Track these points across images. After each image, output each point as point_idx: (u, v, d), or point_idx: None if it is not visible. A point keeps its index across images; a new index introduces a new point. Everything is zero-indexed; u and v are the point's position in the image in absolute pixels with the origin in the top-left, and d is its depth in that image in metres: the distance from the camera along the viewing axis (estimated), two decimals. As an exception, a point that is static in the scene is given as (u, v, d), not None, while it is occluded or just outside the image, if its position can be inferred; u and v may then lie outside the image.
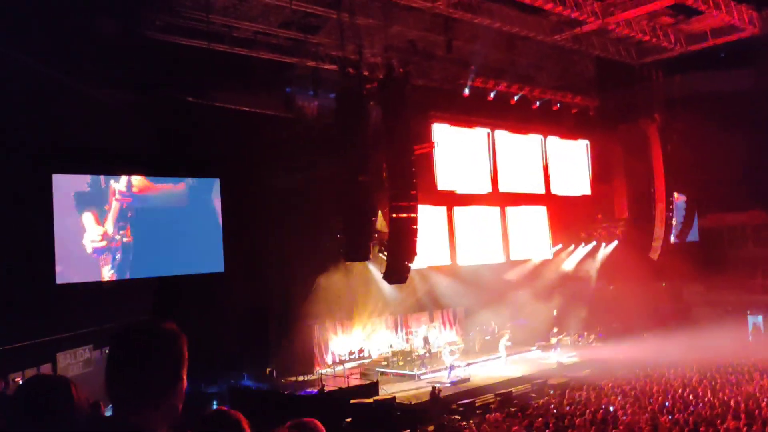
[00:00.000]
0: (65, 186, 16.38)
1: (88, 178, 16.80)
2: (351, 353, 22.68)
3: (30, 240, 15.43)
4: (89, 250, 16.57)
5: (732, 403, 14.87)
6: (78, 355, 15.96)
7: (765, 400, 14.93)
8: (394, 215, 18.97)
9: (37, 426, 2.46)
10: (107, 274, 16.82)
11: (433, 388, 18.83)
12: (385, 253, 19.62)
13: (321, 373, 21.07)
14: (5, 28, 14.06)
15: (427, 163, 22.81)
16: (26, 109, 14.76)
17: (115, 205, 17.09)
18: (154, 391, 2.09)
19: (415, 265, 20.11)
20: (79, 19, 14.97)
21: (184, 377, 2.16)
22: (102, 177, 17.14)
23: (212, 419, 2.71)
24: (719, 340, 24.85)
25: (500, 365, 22.84)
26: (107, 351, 2.16)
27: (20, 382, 2.77)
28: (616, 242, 28.49)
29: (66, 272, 16.11)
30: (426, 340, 23.70)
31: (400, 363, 22.45)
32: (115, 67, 15.97)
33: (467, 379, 20.73)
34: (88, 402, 2.67)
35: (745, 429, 12.14)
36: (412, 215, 18.98)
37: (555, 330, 25.34)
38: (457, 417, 17.29)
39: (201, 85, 17.72)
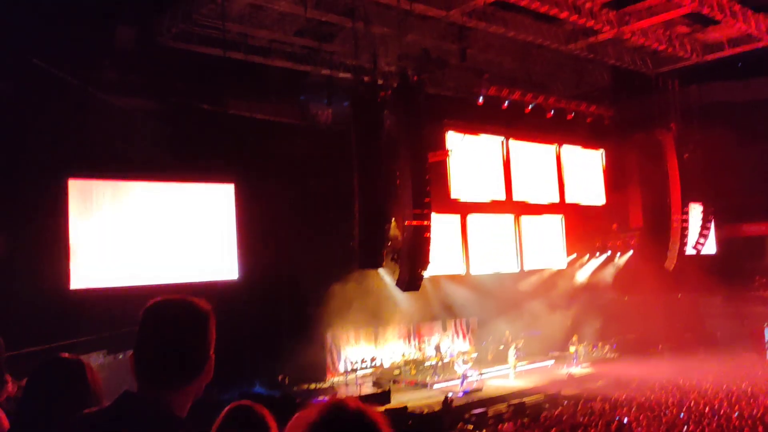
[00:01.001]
0: (81, 190, 16.46)
1: (103, 182, 16.88)
2: (363, 361, 22.61)
3: (45, 244, 15.54)
4: (104, 255, 16.65)
5: (748, 415, 14.70)
6: (91, 360, 16.02)
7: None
8: (407, 223, 18.95)
9: (52, 408, 2.45)
10: (121, 279, 16.87)
11: (446, 397, 18.75)
12: (399, 261, 19.60)
13: (333, 381, 21.04)
14: (26, 36, 14.25)
15: (441, 171, 22.80)
16: (43, 113, 14.92)
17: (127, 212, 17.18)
18: (187, 368, 2.07)
19: (428, 274, 20.07)
20: (97, 27, 15.11)
21: (213, 356, 2.14)
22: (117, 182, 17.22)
23: (237, 412, 2.70)
24: (736, 352, 24.61)
25: (510, 375, 22.70)
26: (140, 325, 2.11)
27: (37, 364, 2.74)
28: (631, 252, 28.28)
29: (80, 277, 16.18)
30: (438, 349, 23.61)
31: (413, 372, 22.37)
32: (132, 74, 16.11)
33: (480, 389, 20.62)
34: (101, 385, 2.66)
35: (762, 442, 11.99)
36: (426, 223, 18.95)
37: (575, 339, 25.16)
38: (469, 427, 17.19)
39: (216, 92, 17.81)
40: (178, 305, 2.13)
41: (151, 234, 17.42)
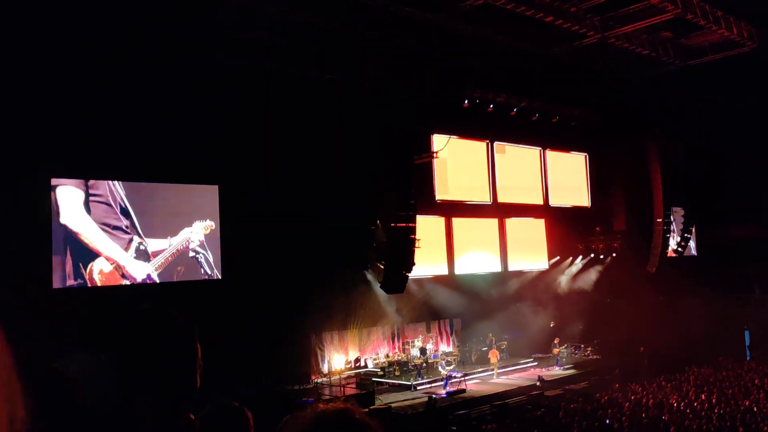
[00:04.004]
0: (63, 189, 16.36)
1: (88, 182, 16.78)
2: (347, 363, 22.63)
3: (28, 243, 15.41)
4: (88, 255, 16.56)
5: (728, 417, 14.87)
6: (74, 360, 15.90)
7: (761, 414, 14.93)
8: (392, 225, 18.99)
9: None
10: (104, 278, 16.78)
11: (430, 398, 18.80)
12: (383, 263, 19.62)
13: (317, 383, 21.01)
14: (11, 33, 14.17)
15: (426, 173, 22.86)
16: (27, 113, 14.81)
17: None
18: (172, 385, 2.04)
19: (412, 275, 20.11)
20: (83, 24, 15.02)
21: (199, 369, 2.14)
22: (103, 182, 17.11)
23: (218, 412, 2.72)
24: (716, 354, 24.86)
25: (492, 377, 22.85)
26: (121, 345, 2.09)
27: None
28: (613, 255, 28.51)
29: (63, 276, 16.08)
30: (422, 351, 23.66)
31: (397, 373, 22.40)
32: (117, 73, 16.01)
33: (463, 390, 20.68)
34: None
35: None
36: (411, 225, 19.00)
37: (556, 341, 25.31)
38: (453, 428, 17.25)
39: (202, 93, 17.71)
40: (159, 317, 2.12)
41: (135, 234, 17.35)
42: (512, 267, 26.34)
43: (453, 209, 24.48)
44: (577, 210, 28.77)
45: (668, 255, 27.76)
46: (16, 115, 14.72)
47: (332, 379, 21.31)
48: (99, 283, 16.59)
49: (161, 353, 2.03)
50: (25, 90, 14.72)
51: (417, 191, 19.83)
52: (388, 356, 23.65)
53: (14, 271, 14.83)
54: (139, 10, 15.43)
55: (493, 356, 23.35)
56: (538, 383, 21.76)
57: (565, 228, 27.73)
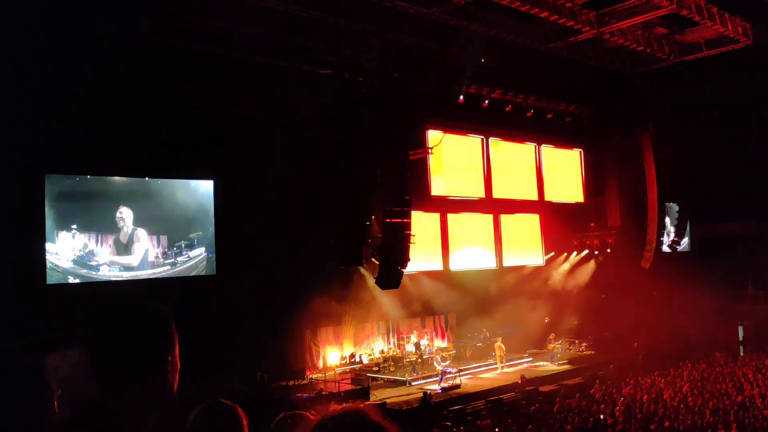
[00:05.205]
0: (58, 185, 16.30)
1: (82, 177, 16.72)
2: (342, 358, 22.62)
3: (21, 239, 15.35)
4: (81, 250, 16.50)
5: (722, 412, 14.91)
6: (67, 357, 15.83)
7: (755, 409, 14.98)
8: (387, 220, 18.96)
9: None
10: (98, 274, 16.74)
11: (425, 394, 18.80)
12: (378, 258, 19.60)
13: (311, 378, 21.00)
14: (3, 28, 14.07)
15: (421, 168, 22.83)
16: (21, 108, 14.73)
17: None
18: (137, 372, 2.02)
19: (407, 271, 20.09)
20: (75, 19, 14.93)
21: (173, 359, 2.09)
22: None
23: (210, 410, 2.70)
24: (710, 349, 24.95)
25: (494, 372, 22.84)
26: (92, 332, 2.09)
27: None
28: (608, 250, 28.55)
29: (57, 272, 16.02)
30: (417, 346, 23.67)
31: (392, 369, 22.41)
32: (110, 68, 15.92)
33: (458, 386, 20.70)
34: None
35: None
36: (406, 220, 18.98)
37: (552, 336, 25.32)
38: (447, 423, 17.28)
39: (196, 87, 17.66)
40: (126, 306, 2.10)
41: (130, 229, 17.31)
42: (507, 263, 26.36)
43: (448, 205, 24.48)
44: (571, 206, 28.80)
45: (662, 250, 27.81)
46: (10, 107, 14.64)
47: (327, 374, 21.30)
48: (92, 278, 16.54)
49: (127, 347, 2.02)
50: (19, 83, 14.64)
51: (412, 187, 19.81)
52: (383, 352, 23.65)
53: (7, 267, 14.77)
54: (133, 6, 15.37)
55: (499, 350, 23.37)
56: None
57: (560, 224, 27.77)
